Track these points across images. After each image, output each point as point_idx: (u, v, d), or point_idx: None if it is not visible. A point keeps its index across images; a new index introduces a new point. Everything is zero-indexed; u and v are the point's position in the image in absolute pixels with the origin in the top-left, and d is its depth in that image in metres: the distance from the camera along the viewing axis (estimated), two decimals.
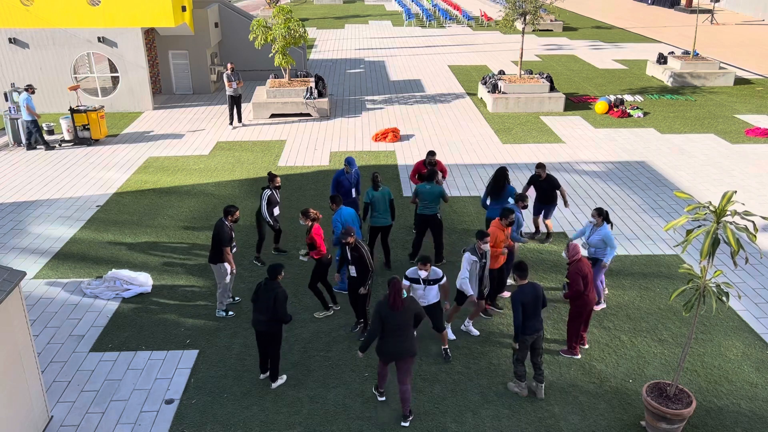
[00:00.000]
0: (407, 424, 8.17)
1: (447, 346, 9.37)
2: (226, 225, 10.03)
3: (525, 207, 10.87)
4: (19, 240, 13.01)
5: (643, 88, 24.76)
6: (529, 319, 8.26)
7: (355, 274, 9.58)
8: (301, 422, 8.20)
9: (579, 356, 9.41)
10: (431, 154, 12.69)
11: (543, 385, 8.61)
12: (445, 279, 9.11)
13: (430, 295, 9.02)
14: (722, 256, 12.28)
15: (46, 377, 9.06)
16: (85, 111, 18.35)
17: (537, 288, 8.32)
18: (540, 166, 12.21)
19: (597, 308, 10.62)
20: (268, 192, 11.60)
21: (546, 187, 12.26)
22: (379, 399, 8.59)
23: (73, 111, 18.32)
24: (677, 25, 40.61)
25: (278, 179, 11.76)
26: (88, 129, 18.47)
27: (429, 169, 11.67)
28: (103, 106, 18.87)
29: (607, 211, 10.06)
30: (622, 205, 14.53)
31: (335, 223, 10.48)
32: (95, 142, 18.74)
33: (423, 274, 8.87)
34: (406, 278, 9.03)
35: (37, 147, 18.20)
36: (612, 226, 10.27)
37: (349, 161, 12.16)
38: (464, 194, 14.97)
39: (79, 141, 18.49)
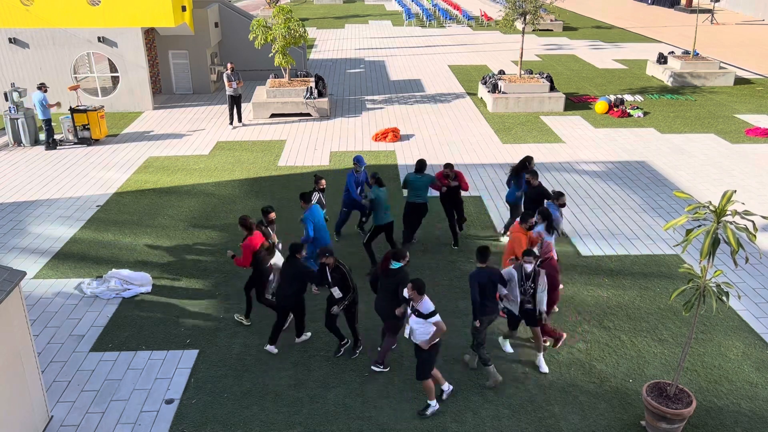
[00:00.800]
0: (378, 370, 9.04)
1: (443, 386, 8.58)
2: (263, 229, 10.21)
3: (563, 205, 10.73)
4: (19, 240, 13.02)
5: (643, 88, 24.76)
6: (486, 299, 8.61)
7: (340, 295, 8.95)
8: (301, 422, 8.20)
9: (565, 335, 9.58)
10: (448, 166, 12.30)
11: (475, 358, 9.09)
12: (434, 319, 7.77)
13: (413, 325, 7.93)
14: (722, 256, 12.28)
15: (46, 377, 9.07)
16: (84, 111, 18.37)
17: (493, 273, 8.62)
18: (530, 170, 11.75)
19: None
20: (317, 195, 11.49)
21: (533, 196, 11.55)
22: (379, 369, 9.05)
23: (73, 111, 18.34)
24: (677, 24, 40.61)
25: (323, 182, 11.55)
26: (88, 129, 18.49)
27: (419, 160, 11.80)
28: (103, 106, 18.88)
29: (550, 215, 9.90)
30: (622, 205, 14.53)
31: (307, 222, 10.34)
32: (95, 141, 18.74)
33: (405, 293, 8.00)
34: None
35: (40, 143, 18.31)
36: (553, 234, 10.02)
37: (358, 160, 12.07)
38: (464, 194, 14.96)
39: (78, 141, 18.52)
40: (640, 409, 8.43)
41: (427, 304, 7.83)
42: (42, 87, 17.83)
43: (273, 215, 10.32)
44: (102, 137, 18.87)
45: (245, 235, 9.77)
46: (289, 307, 9.25)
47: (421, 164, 11.82)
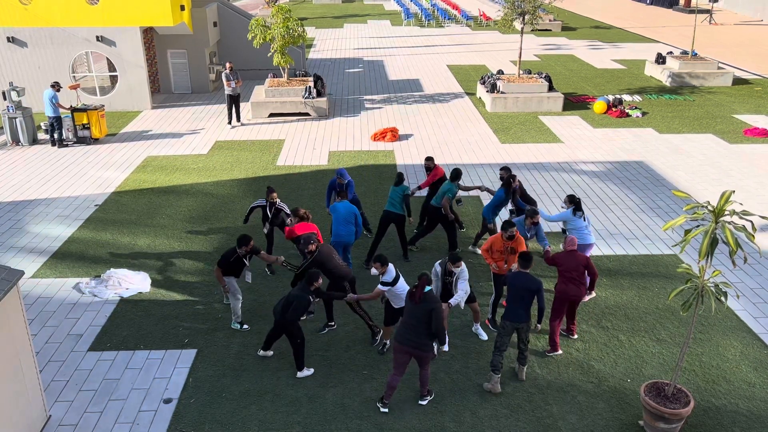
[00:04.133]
0: (424, 403, 8.49)
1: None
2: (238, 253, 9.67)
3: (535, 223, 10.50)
4: (18, 239, 13.00)
5: (642, 88, 24.78)
6: (520, 306, 8.56)
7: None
8: (300, 422, 8.20)
9: (560, 351, 9.44)
10: (429, 159, 12.89)
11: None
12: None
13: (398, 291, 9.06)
14: (721, 256, 12.29)
15: (45, 376, 9.06)
16: (84, 110, 18.36)
17: (530, 281, 8.51)
18: (504, 168, 11.82)
19: (586, 298, 10.66)
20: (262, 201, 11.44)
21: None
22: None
23: (73, 110, 18.33)
24: (676, 25, 40.64)
25: (275, 195, 11.23)
26: (88, 128, 18.47)
27: (398, 173, 11.65)
28: (103, 105, 18.87)
29: (579, 200, 10.50)
30: (621, 205, 14.54)
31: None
32: (95, 141, 18.73)
33: (374, 270, 9.01)
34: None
35: (39, 142, 18.26)
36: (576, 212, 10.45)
37: (341, 173, 11.94)
38: (462, 194, 14.96)
39: (78, 140, 18.52)
40: (638, 408, 8.44)
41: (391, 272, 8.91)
42: (55, 86, 17.88)
43: (252, 243, 9.68)
44: (102, 136, 18.86)
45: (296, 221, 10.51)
46: (278, 321, 8.81)
47: (399, 177, 11.59)
